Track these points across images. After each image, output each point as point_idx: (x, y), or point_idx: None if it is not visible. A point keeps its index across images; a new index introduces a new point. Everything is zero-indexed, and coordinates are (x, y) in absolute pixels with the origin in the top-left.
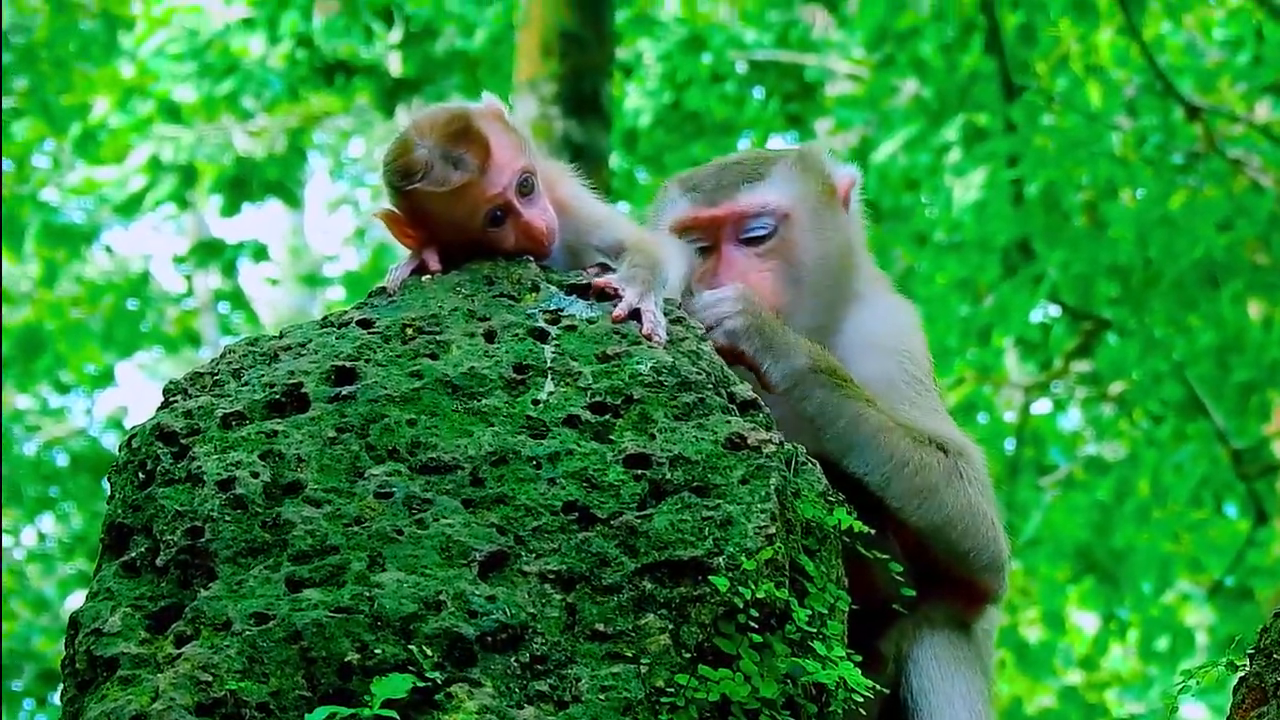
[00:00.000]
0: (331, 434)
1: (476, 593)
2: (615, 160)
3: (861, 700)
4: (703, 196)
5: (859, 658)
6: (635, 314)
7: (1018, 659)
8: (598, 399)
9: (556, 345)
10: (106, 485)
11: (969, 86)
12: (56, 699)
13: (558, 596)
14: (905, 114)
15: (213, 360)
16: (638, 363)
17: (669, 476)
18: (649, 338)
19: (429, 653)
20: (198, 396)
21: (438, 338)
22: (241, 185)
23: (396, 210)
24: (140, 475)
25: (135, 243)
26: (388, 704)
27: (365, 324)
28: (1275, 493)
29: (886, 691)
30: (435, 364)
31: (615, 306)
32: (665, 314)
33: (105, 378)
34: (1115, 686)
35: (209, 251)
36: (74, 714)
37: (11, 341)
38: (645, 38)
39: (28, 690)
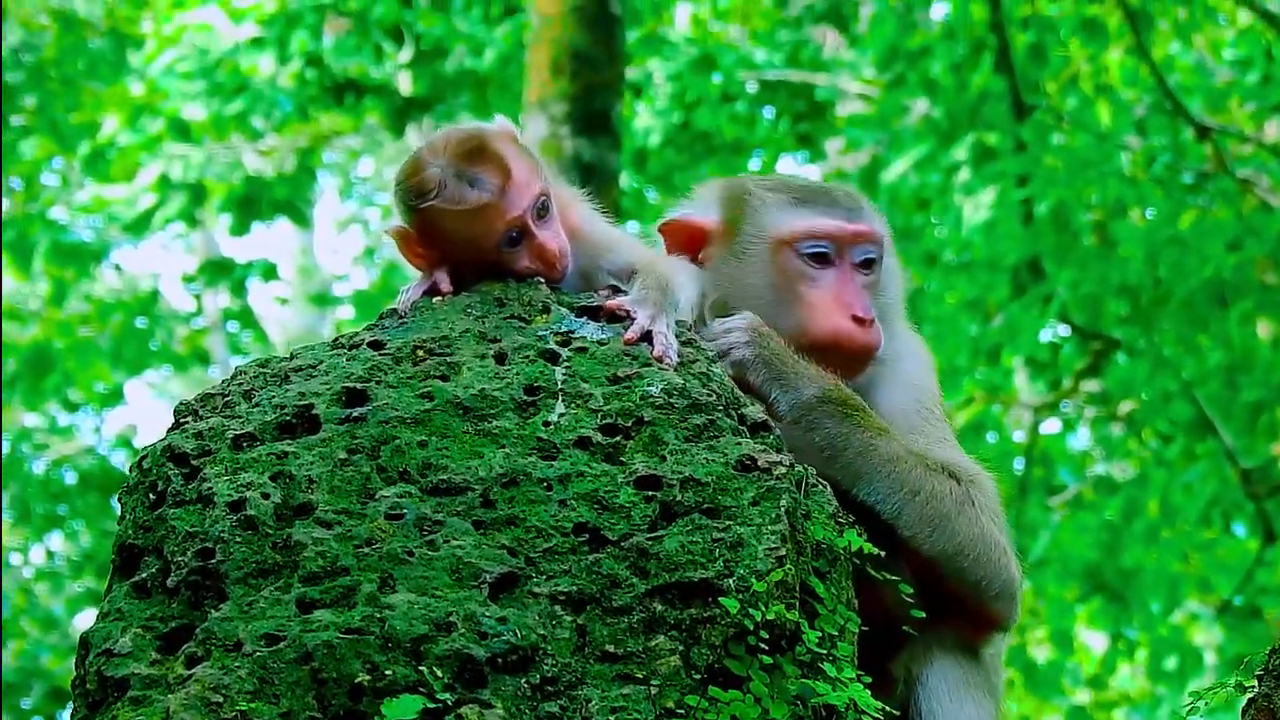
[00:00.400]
0: (342, 455)
1: (487, 614)
2: (625, 180)
3: None
4: (843, 211)
5: (869, 679)
6: (647, 336)
7: (1026, 678)
8: (608, 421)
9: (567, 367)
10: (117, 505)
11: (979, 106)
12: (66, 718)
13: (568, 618)
14: (915, 133)
15: (223, 381)
16: (648, 384)
17: (680, 498)
18: (660, 360)
19: (440, 674)
20: (209, 418)
21: (449, 359)
22: (251, 204)
23: (409, 229)
24: (151, 496)
25: (144, 261)
26: None
27: (376, 345)
28: None
29: (897, 713)
30: (446, 386)
31: (626, 328)
32: (676, 336)
33: (114, 396)
34: (1123, 706)
35: (218, 270)
36: None
37: (20, 359)
38: (655, 57)
39: (36, 708)
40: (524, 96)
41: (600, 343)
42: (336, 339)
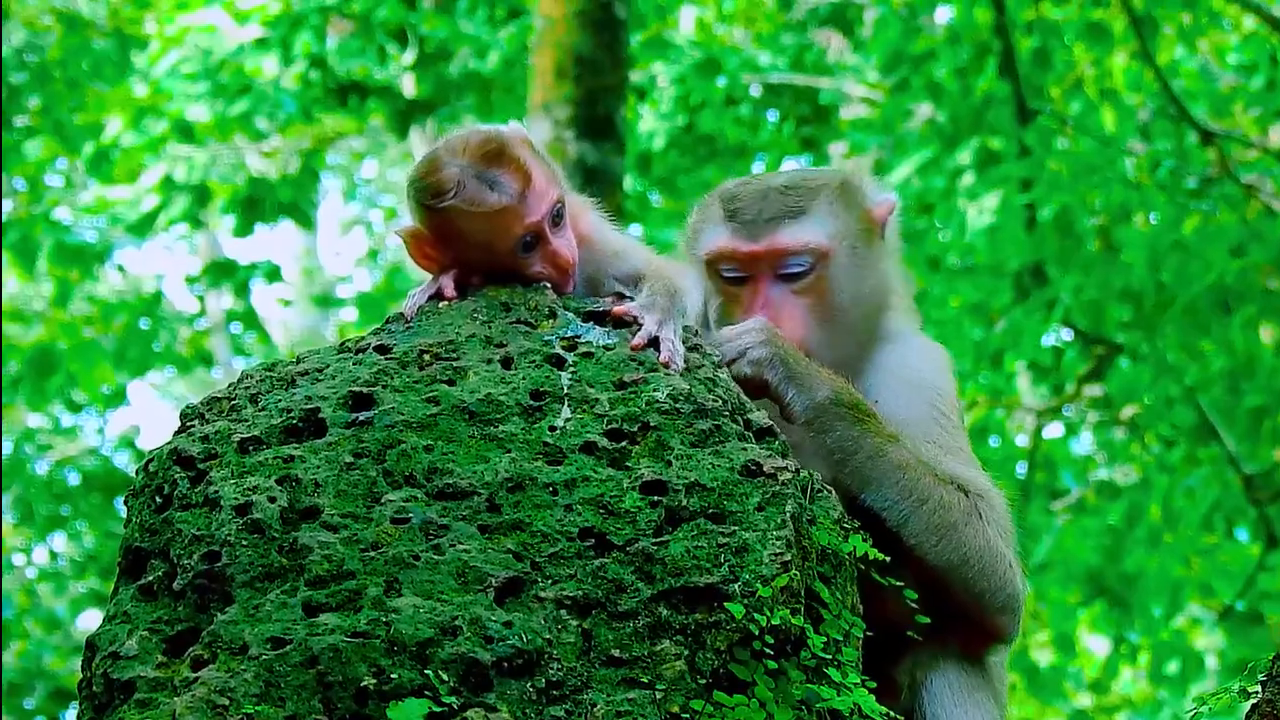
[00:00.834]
0: (348, 459)
1: (493, 618)
2: (629, 183)
3: None
4: (744, 229)
5: (874, 684)
6: (654, 342)
7: (1028, 682)
8: (614, 426)
9: (573, 372)
10: (123, 508)
11: (983, 110)
12: (70, 718)
13: (574, 622)
14: (919, 138)
15: (230, 385)
16: (654, 390)
17: (685, 503)
18: (666, 365)
19: (445, 678)
20: (215, 421)
21: (455, 364)
22: (255, 206)
23: (421, 229)
24: (157, 499)
25: (148, 262)
26: None
27: (382, 350)
28: None
29: (901, 719)
30: (452, 390)
31: (633, 334)
32: (683, 342)
33: (117, 397)
34: (1125, 710)
35: (222, 272)
36: None
37: (24, 360)
38: (659, 61)
39: (39, 709)
40: (528, 99)
41: (606, 348)
42: (343, 343)
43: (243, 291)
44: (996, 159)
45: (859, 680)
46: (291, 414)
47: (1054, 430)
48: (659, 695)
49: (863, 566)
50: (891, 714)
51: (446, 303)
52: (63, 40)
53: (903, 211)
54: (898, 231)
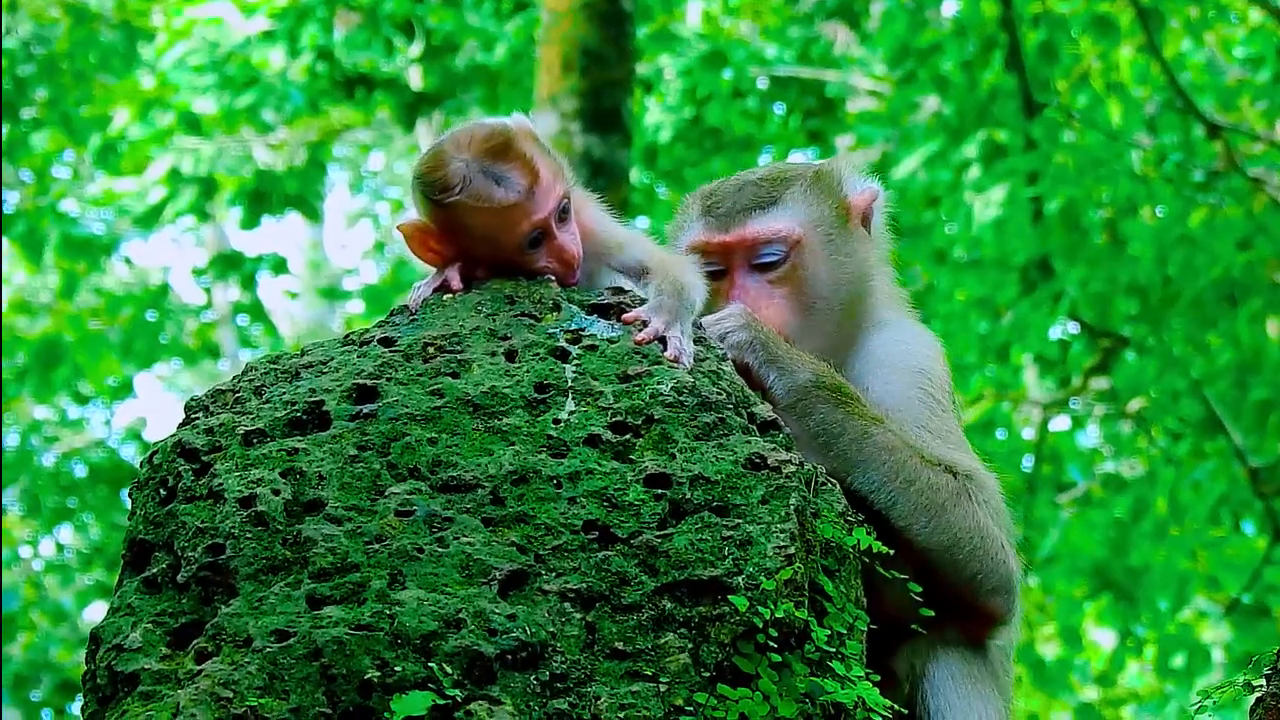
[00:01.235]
0: (353, 452)
1: (496, 611)
2: (635, 175)
3: None
4: (716, 221)
5: (877, 677)
6: (661, 339)
7: (1034, 675)
8: (618, 419)
9: (577, 365)
10: (127, 500)
11: (989, 103)
12: (76, 710)
13: (577, 615)
14: (926, 130)
15: (234, 377)
16: (658, 383)
17: (689, 496)
18: (674, 361)
19: (449, 670)
20: (219, 413)
21: (459, 356)
22: (261, 198)
23: (428, 223)
24: (161, 492)
25: (154, 254)
26: None
27: (387, 342)
28: None
29: (905, 711)
30: (456, 383)
31: (638, 329)
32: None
33: (124, 389)
34: (1132, 703)
35: (228, 264)
36: None
37: (30, 352)
38: (666, 53)
39: (46, 701)
40: (534, 92)
41: (610, 340)
42: (347, 335)
43: (249, 284)
44: (1003, 152)
45: (863, 673)
46: (296, 406)
47: (1060, 423)
48: (663, 688)
49: (866, 560)
50: (895, 707)
51: (451, 295)
52: (70, 32)
53: (908, 205)
54: (884, 221)
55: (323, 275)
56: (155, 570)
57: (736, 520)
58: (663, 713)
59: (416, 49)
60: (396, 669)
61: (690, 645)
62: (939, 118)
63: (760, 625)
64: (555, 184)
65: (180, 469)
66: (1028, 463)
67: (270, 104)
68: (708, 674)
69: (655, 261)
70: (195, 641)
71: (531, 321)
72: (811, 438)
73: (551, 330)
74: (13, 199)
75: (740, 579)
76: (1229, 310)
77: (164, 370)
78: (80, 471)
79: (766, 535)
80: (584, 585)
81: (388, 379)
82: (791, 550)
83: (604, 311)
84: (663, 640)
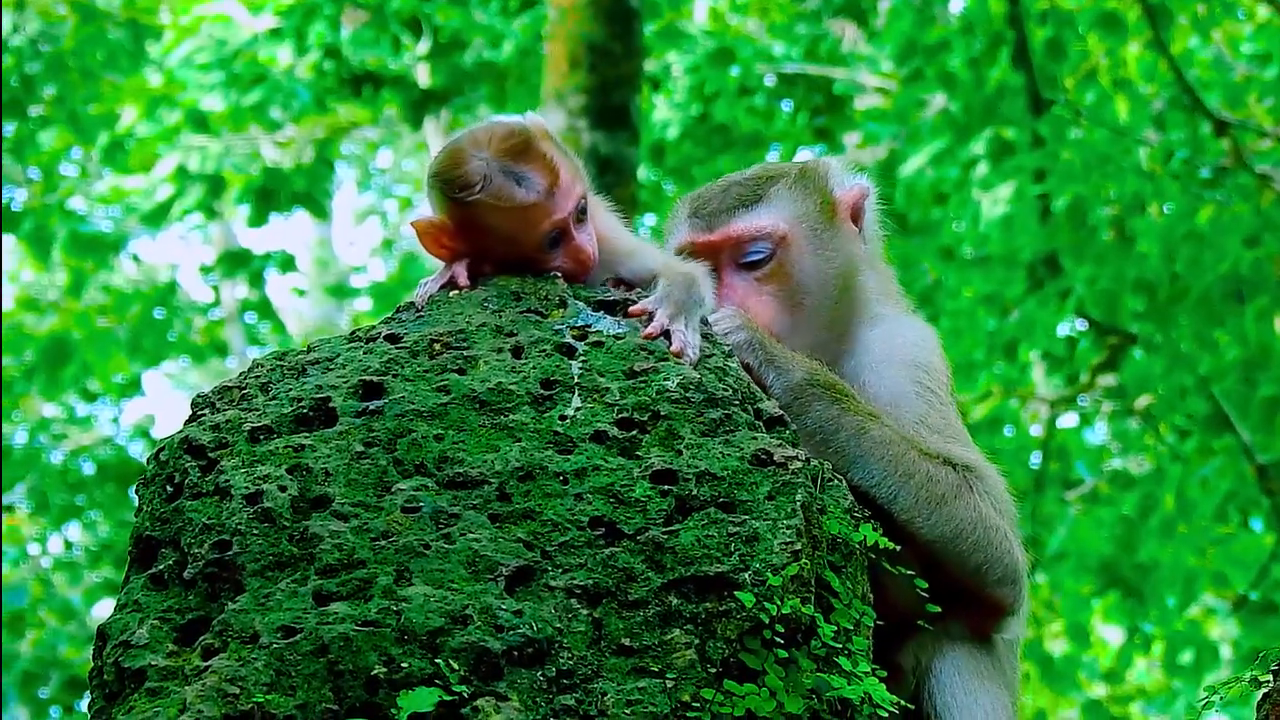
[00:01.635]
0: (359, 448)
1: (503, 607)
2: (643, 172)
3: (886, 715)
4: (702, 222)
5: (884, 673)
6: (666, 333)
7: (1042, 672)
8: (625, 415)
9: (584, 361)
10: (134, 497)
11: (996, 101)
12: (84, 707)
13: (584, 611)
14: (933, 128)
15: (240, 374)
16: (665, 379)
17: (695, 492)
18: (679, 355)
19: (455, 667)
20: (225, 410)
21: (465, 353)
22: (269, 196)
23: (444, 220)
24: (168, 488)
25: (162, 252)
26: (414, 717)
27: (393, 339)
28: None
29: (911, 707)
30: (463, 379)
31: (645, 324)
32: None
33: (132, 387)
34: (1139, 700)
35: (236, 261)
36: None
37: (38, 350)
38: (673, 50)
39: (54, 698)
40: (542, 89)
41: (617, 337)
42: (353, 332)
43: (257, 281)
44: (1010, 149)
45: (869, 669)
46: (302, 403)
47: (1068, 420)
48: (669, 684)
49: (872, 556)
50: (902, 703)
51: (457, 292)
52: (77, 30)
53: (916, 202)
54: (875, 218)
55: (330, 273)
56: (162, 567)
57: (743, 516)
58: (669, 709)
59: (424, 46)
60: (403, 665)
61: (697, 641)
62: (946, 115)
63: (767, 621)
64: (575, 184)
65: (187, 466)
66: (1035, 460)
67: (278, 101)
68: (714, 670)
69: (664, 267)
70: (202, 638)
71: (538, 318)
72: (809, 435)
73: (558, 327)
74: (21, 197)
75: (747, 575)
76: (1236, 307)
77: (172, 368)
78: (88, 469)
79: (773, 531)
80: (590, 581)
81: (394, 375)
82: (798, 546)
83: (610, 308)
84: (669, 636)
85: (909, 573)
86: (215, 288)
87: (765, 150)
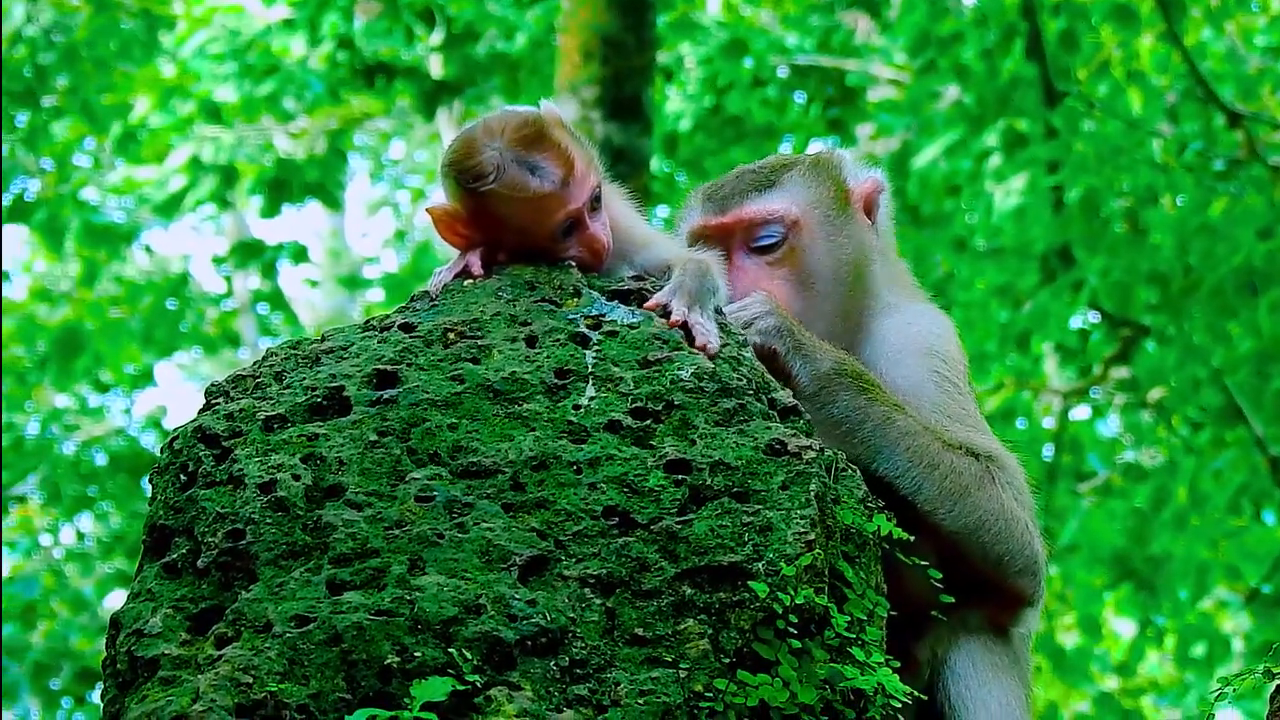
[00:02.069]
0: (373, 437)
1: (516, 597)
2: (655, 164)
3: (899, 706)
4: (714, 205)
5: (897, 664)
6: (683, 325)
7: (1054, 665)
8: (639, 404)
9: (598, 350)
10: (148, 486)
11: (1010, 92)
12: (96, 698)
13: (597, 601)
14: (946, 119)
15: (254, 363)
16: (679, 368)
17: (709, 482)
18: (702, 349)
19: (469, 656)
20: (239, 399)
21: (479, 342)
22: (282, 186)
23: (458, 208)
24: (182, 477)
25: (175, 243)
26: (427, 707)
27: (407, 328)
28: None
29: (925, 698)
30: (477, 368)
31: (661, 315)
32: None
33: (144, 378)
34: (1151, 693)
35: (249, 252)
36: (115, 714)
37: (51, 341)
38: (686, 42)
39: (66, 689)
40: (555, 80)
41: (631, 326)
42: (367, 321)
43: (270, 272)
44: (1023, 141)
45: (883, 660)
46: (316, 392)
47: (1081, 412)
48: (683, 674)
49: (886, 546)
50: (915, 693)
51: (472, 281)
52: (90, 20)
53: (929, 194)
54: (889, 213)
55: (343, 264)
56: (175, 556)
57: (757, 506)
58: (682, 699)
59: (437, 37)
60: (416, 655)
61: (710, 631)
62: (959, 106)
63: (780, 611)
64: (589, 174)
65: (201, 454)
66: (1048, 452)
67: (291, 92)
68: (728, 660)
69: (678, 258)
70: (215, 627)
71: (552, 307)
72: (835, 425)
73: (572, 316)
74: (34, 187)
75: (760, 565)
76: (1250, 299)
77: (184, 359)
78: (100, 460)
79: (787, 521)
80: (604, 571)
81: (408, 364)
82: (812, 536)
83: (625, 297)
84: (683, 626)
85: (923, 563)
86: (228, 278)
87: (778, 142)
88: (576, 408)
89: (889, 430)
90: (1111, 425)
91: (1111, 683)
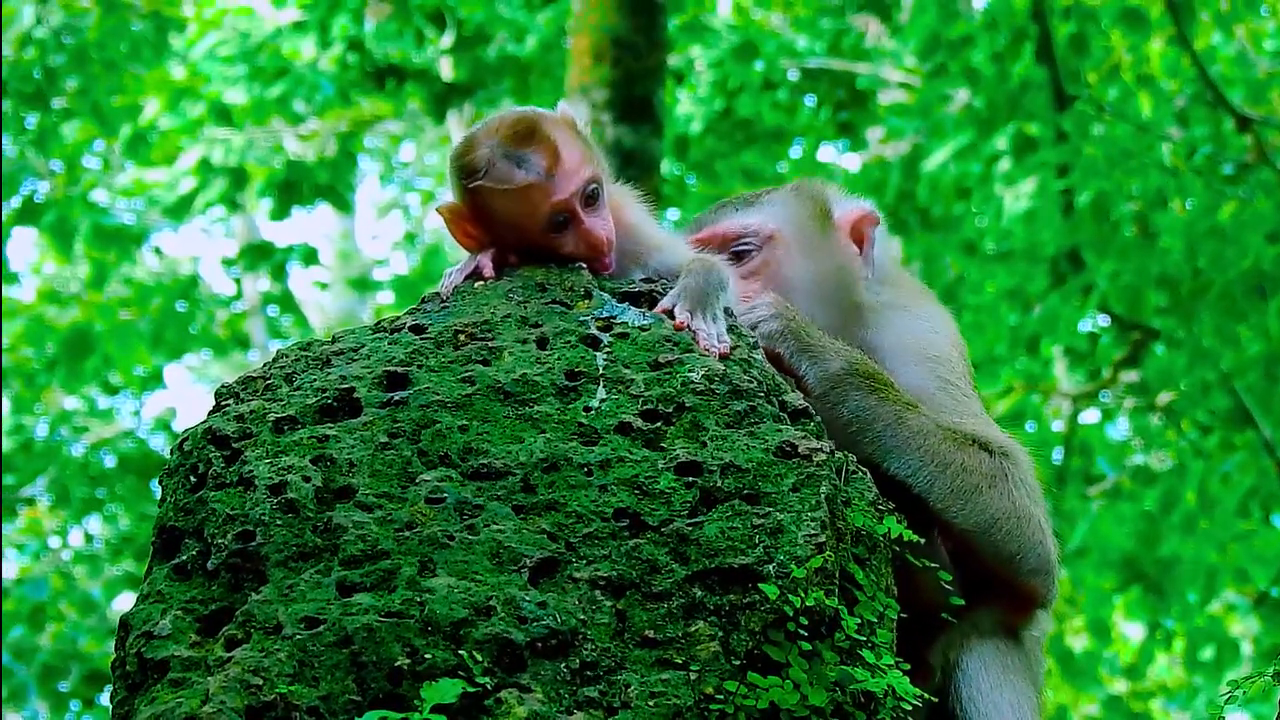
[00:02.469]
0: (383, 439)
1: (527, 599)
2: (666, 166)
3: (909, 709)
4: (695, 225)
5: (907, 666)
6: (691, 330)
7: (1063, 668)
8: (649, 406)
9: (609, 352)
10: (157, 488)
11: (1020, 96)
12: (105, 700)
13: (608, 603)
14: (956, 123)
15: (265, 364)
16: (690, 370)
17: (720, 484)
18: (708, 351)
19: (479, 658)
20: (249, 400)
21: (490, 344)
22: (291, 189)
23: (462, 205)
24: (192, 479)
25: (185, 245)
26: (438, 709)
27: (418, 329)
28: None
29: (935, 700)
30: (487, 370)
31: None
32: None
33: (154, 379)
34: (1160, 696)
35: (258, 254)
36: (124, 716)
37: (60, 342)
38: (697, 44)
39: (74, 691)
40: (566, 83)
41: (642, 328)
42: (378, 322)
43: (279, 274)
44: (1033, 145)
45: (893, 662)
46: (326, 393)
47: (1090, 416)
48: (693, 676)
49: (897, 548)
50: (925, 695)
51: (483, 282)
52: (100, 22)
53: (939, 197)
54: (889, 249)
55: (353, 266)
56: (185, 557)
57: (767, 508)
58: (693, 701)
59: (447, 40)
60: (426, 656)
61: (721, 633)
62: (969, 110)
63: (791, 613)
64: (581, 168)
65: (211, 456)
66: (1058, 455)
67: (301, 95)
68: (738, 662)
69: (689, 263)
70: (225, 628)
71: (563, 309)
72: (845, 425)
73: (583, 318)
74: (44, 189)
75: (771, 567)
76: (1259, 303)
77: (193, 361)
78: (109, 462)
79: (797, 523)
80: (614, 573)
81: (419, 366)
82: (822, 538)
83: (635, 299)
84: (693, 628)
85: (933, 566)
86: (237, 281)
87: (789, 145)
88: (587, 410)
89: (900, 430)
90: (1121, 429)
91: (1120, 686)
